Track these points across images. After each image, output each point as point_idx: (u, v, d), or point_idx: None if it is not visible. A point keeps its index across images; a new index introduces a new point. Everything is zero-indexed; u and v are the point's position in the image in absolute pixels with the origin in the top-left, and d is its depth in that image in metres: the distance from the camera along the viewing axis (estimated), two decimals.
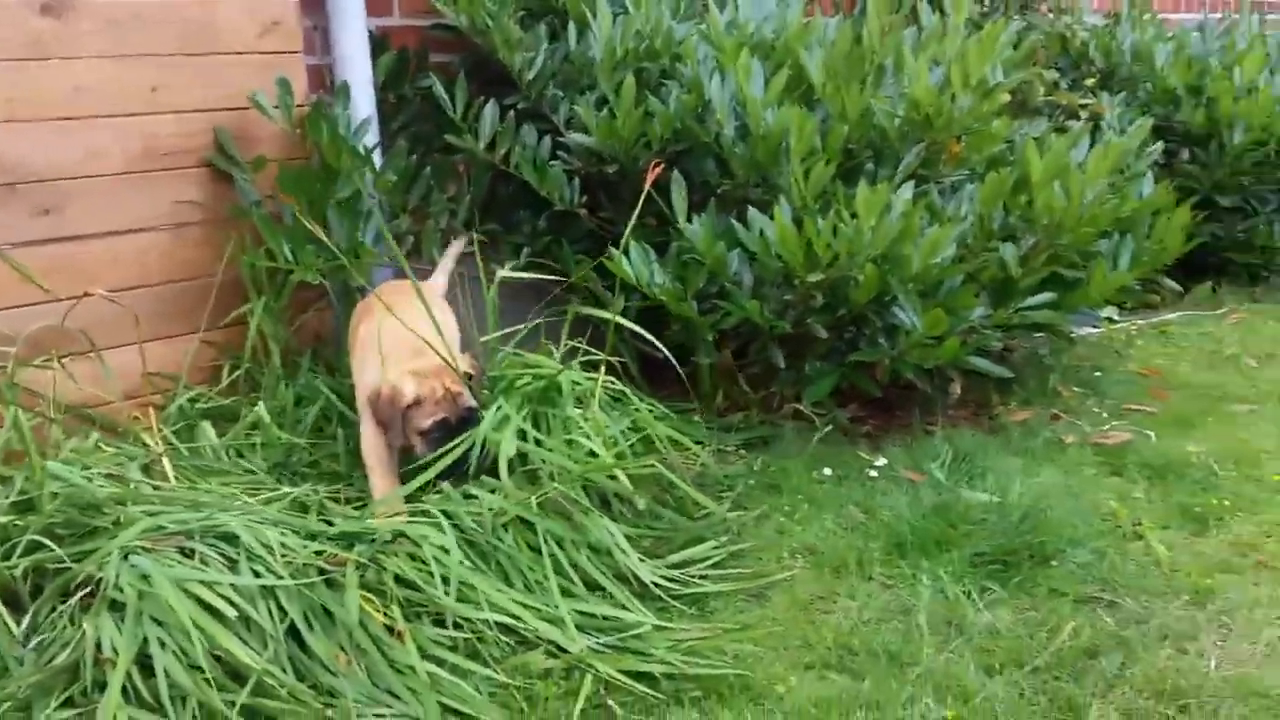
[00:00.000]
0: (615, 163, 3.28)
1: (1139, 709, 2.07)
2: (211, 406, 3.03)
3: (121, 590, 2.03)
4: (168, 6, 3.05)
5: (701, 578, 2.54)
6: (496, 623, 2.25)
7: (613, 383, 2.90)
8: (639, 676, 2.17)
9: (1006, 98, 3.89)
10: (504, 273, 3.07)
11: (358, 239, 3.16)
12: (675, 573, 2.53)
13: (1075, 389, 3.65)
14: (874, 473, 3.01)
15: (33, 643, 2.08)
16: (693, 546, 2.63)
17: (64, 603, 2.10)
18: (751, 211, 2.99)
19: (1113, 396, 3.60)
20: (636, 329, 3.00)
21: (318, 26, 3.44)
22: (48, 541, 2.20)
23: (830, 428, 3.22)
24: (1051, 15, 4.33)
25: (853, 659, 2.25)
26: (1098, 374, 3.78)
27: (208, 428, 2.90)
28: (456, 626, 2.22)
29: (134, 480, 2.47)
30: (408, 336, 2.65)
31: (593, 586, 2.42)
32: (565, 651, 2.23)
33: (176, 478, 2.62)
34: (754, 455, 3.13)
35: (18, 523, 2.28)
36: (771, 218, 2.92)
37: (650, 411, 2.87)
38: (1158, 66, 4.64)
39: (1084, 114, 4.17)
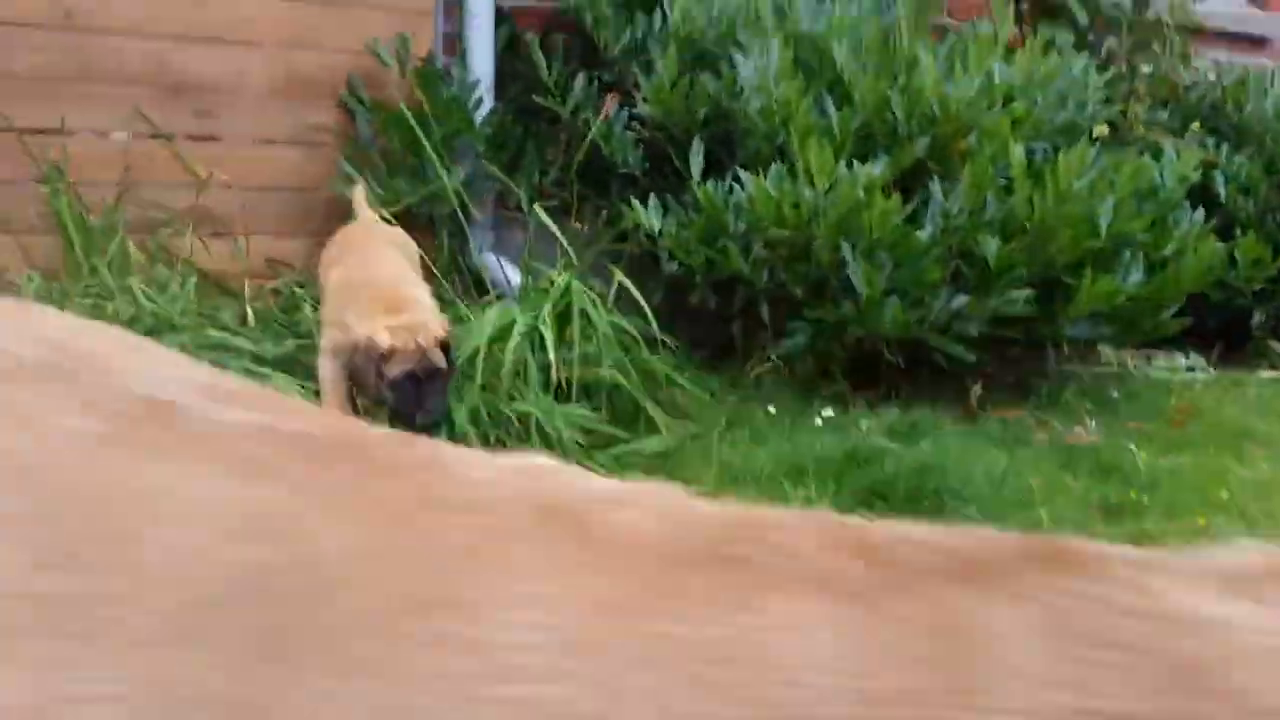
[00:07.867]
0: (665, 130, 3.73)
1: None
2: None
3: None
4: None
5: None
6: None
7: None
8: None
9: (1103, 130, 4.05)
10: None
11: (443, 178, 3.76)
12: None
13: (1089, 405, 3.69)
14: (819, 420, 3.27)
15: None
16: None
17: None
18: (743, 173, 3.36)
19: (1124, 417, 3.61)
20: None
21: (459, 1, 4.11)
22: None
23: (817, 390, 3.50)
24: (1163, 59, 4.36)
25: None
26: (1122, 399, 3.79)
27: (308, 310, 3.56)
28: None
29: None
30: (389, 290, 2.92)
31: None
32: None
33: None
34: (733, 394, 3.48)
35: None
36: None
37: (620, 336, 3.27)
38: None
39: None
